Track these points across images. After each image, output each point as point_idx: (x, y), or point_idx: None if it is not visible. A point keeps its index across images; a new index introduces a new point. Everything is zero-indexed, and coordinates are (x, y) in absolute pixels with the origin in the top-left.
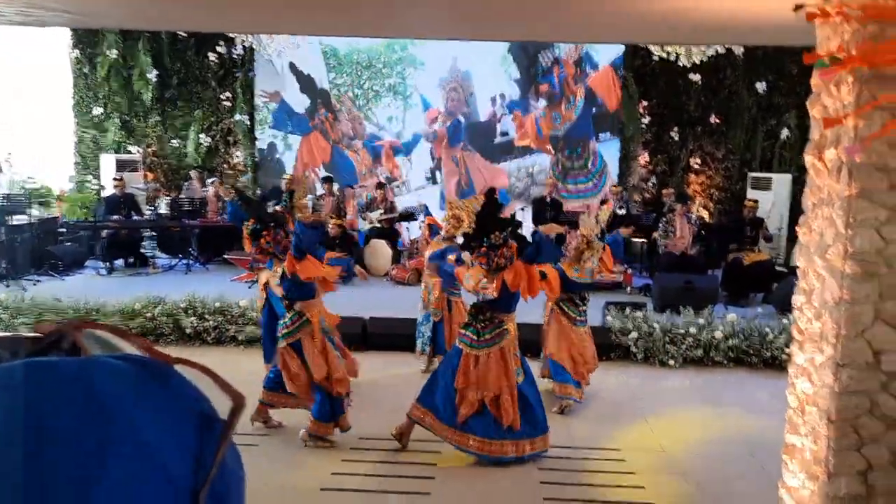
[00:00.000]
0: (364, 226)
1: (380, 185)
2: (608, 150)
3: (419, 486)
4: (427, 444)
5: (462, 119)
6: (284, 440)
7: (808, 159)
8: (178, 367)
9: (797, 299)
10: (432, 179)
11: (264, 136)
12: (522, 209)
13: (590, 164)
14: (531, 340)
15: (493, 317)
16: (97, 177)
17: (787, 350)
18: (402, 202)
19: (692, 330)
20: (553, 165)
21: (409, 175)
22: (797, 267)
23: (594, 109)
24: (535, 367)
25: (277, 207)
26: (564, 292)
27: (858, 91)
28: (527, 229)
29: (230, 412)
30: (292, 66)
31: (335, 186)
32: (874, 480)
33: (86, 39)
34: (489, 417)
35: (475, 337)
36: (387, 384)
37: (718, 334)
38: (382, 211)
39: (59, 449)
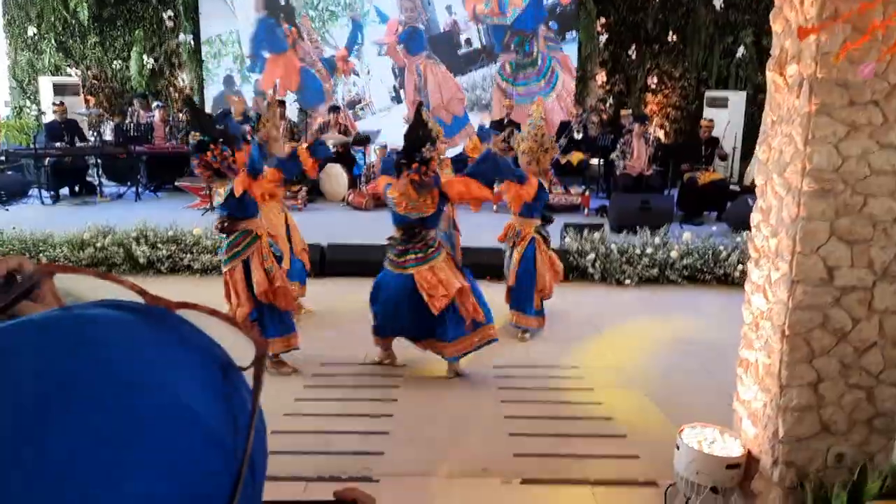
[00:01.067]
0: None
1: (333, 109)
2: (569, 51)
3: (382, 408)
4: (389, 367)
5: (421, 27)
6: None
7: (769, 75)
8: (182, 312)
9: (755, 217)
10: (396, 98)
11: (219, 71)
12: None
13: (539, 62)
14: (488, 264)
15: (426, 234)
16: (36, 102)
17: (739, 267)
18: (366, 126)
19: (648, 250)
20: (500, 70)
21: (372, 96)
22: (750, 185)
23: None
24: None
25: (246, 127)
26: (541, 213)
27: (821, 4)
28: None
29: (255, 360)
30: None
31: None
32: (824, 391)
33: None
34: (455, 318)
35: (422, 255)
36: (346, 310)
37: (674, 254)
38: (337, 133)
39: (77, 433)
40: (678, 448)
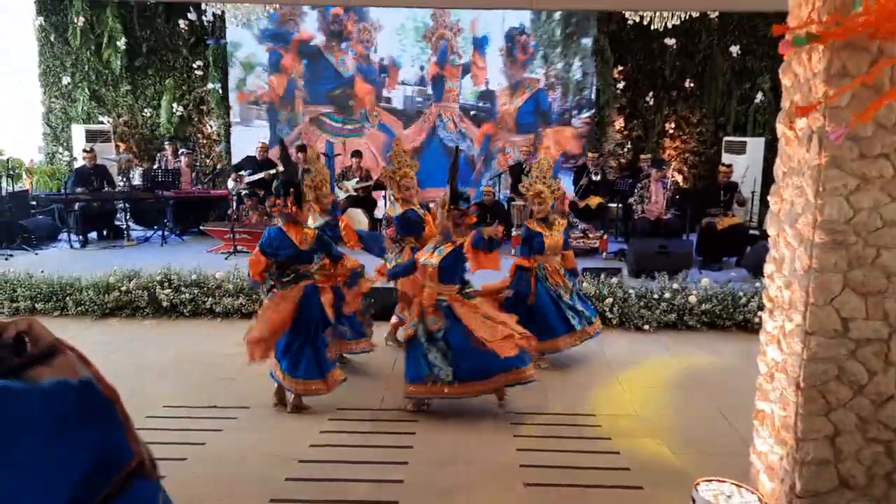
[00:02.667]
0: (340, 195)
1: (355, 153)
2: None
3: (397, 455)
4: (405, 412)
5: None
6: (264, 414)
7: (779, 128)
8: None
9: (768, 267)
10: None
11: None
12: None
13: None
14: None
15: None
16: (68, 148)
17: (759, 313)
18: None
19: (667, 295)
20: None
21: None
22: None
23: None
24: None
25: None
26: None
27: (829, 59)
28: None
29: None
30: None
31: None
32: (841, 445)
33: (50, 6)
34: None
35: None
36: (361, 355)
37: (693, 299)
38: (358, 179)
39: None
40: (694, 502)
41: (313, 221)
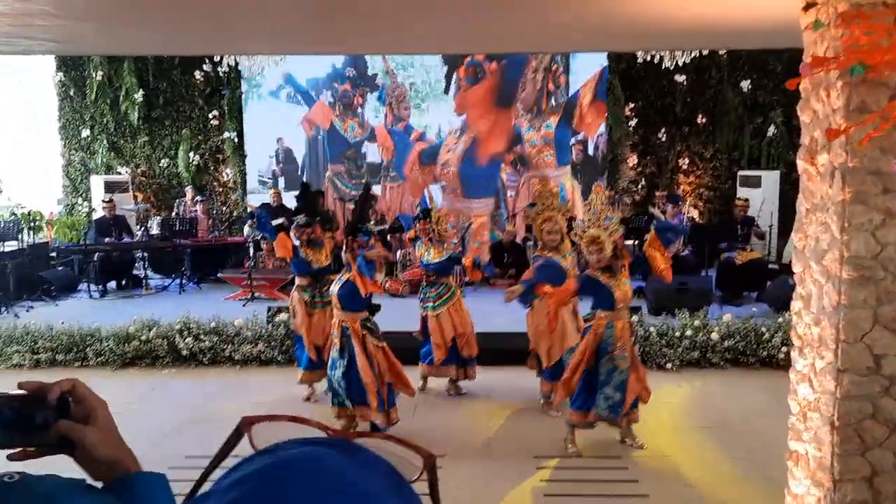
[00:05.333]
0: None
1: (372, 198)
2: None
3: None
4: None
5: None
6: None
7: (801, 164)
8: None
9: (795, 305)
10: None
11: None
12: None
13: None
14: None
15: None
16: (87, 199)
17: (783, 349)
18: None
19: (688, 332)
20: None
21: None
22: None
23: None
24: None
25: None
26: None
27: (848, 96)
28: None
29: (427, 470)
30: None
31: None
32: (880, 485)
33: (70, 62)
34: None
35: None
36: None
37: (715, 336)
38: (374, 222)
39: None
40: None
41: None
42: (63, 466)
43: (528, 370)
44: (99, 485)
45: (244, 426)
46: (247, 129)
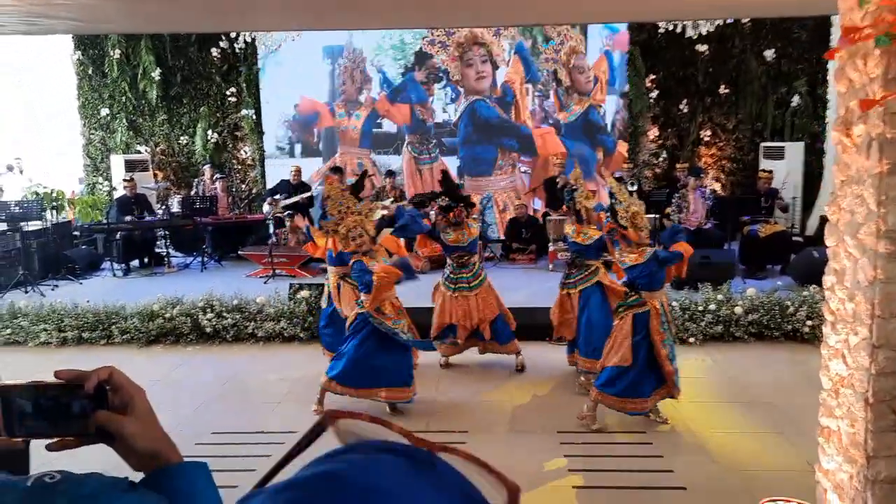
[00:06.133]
0: (376, 215)
1: (389, 173)
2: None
3: None
4: (455, 421)
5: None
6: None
7: (835, 136)
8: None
9: (827, 279)
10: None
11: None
12: None
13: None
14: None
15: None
16: (108, 178)
17: (808, 323)
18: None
19: (711, 306)
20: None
21: None
22: (813, 236)
23: None
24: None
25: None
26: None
27: (886, 64)
28: None
29: (509, 501)
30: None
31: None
32: None
33: (87, 41)
34: None
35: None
36: None
37: (738, 310)
38: (393, 199)
39: None
40: None
41: None
42: (101, 456)
43: (549, 345)
44: (139, 476)
45: (328, 420)
46: (265, 97)
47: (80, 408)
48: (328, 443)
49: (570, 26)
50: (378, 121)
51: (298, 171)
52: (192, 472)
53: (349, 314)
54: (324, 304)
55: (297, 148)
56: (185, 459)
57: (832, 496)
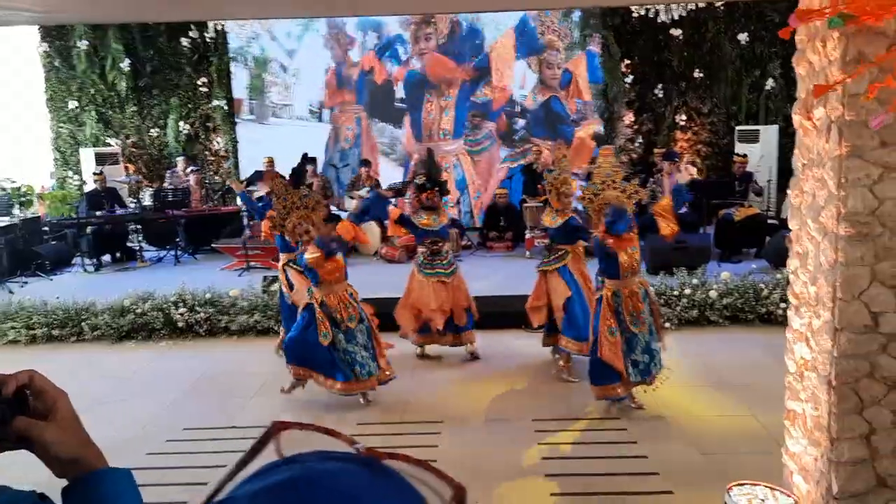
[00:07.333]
0: (351, 204)
1: (364, 163)
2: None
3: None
4: (429, 417)
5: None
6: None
7: (796, 119)
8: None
9: (792, 263)
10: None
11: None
12: None
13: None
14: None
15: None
16: (78, 172)
17: (781, 305)
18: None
19: (687, 291)
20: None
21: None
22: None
23: None
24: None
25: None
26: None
27: (845, 47)
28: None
29: (454, 499)
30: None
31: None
32: (877, 443)
33: (54, 32)
34: None
35: None
36: None
37: (713, 294)
38: (368, 188)
39: None
40: None
41: None
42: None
43: (522, 332)
44: (62, 483)
45: (275, 431)
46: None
47: (0, 414)
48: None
49: (558, 20)
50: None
51: (271, 162)
52: (114, 479)
53: (298, 301)
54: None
55: (326, 114)
56: (112, 466)
57: (798, 478)
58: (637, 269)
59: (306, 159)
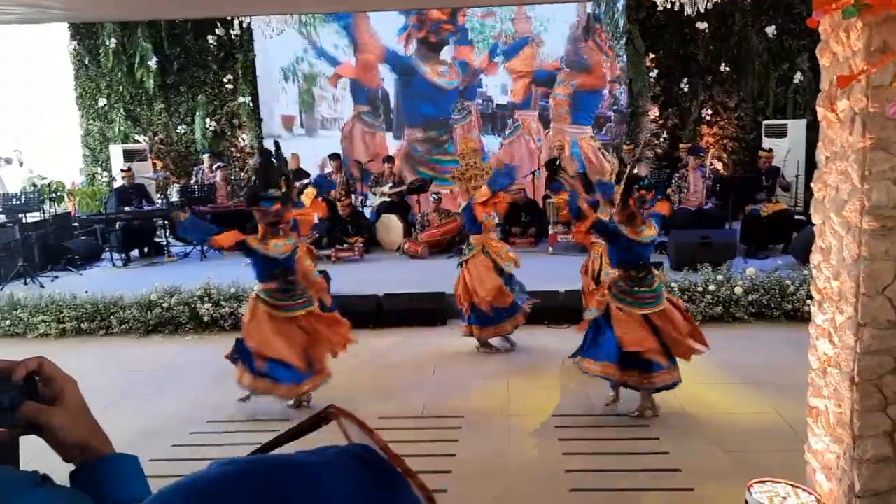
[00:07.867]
0: (374, 200)
1: (388, 159)
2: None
3: (439, 463)
4: (447, 418)
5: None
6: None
7: (820, 111)
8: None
9: (815, 258)
10: None
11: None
12: None
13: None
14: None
15: None
16: (107, 168)
17: (808, 302)
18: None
19: (711, 287)
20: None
21: None
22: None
23: None
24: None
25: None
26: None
27: (868, 37)
28: None
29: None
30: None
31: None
32: None
33: (83, 30)
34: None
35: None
36: (402, 362)
37: (738, 290)
38: (391, 184)
39: None
40: None
41: None
42: (37, 446)
43: (546, 328)
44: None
45: (332, 414)
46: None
47: (9, 400)
48: None
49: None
50: None
51: (297, 158)
52: (121, 464)
53: None
54: None
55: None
56: (119, 451)
57: (820, 476)
58: None
59: (278, 150)
